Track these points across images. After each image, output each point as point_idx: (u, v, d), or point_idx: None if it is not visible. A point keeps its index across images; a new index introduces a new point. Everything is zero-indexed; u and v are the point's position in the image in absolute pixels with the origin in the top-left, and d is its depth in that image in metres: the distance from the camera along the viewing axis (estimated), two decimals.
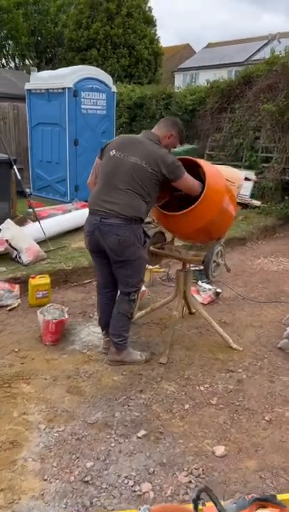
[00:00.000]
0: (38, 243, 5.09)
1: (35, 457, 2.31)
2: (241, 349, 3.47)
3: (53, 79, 7.83)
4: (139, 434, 2.49)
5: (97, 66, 15.33)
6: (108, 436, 2.48)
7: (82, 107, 7.74)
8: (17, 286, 4.35)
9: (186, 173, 2.96)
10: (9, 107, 9.87)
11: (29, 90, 8.21)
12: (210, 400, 2.84)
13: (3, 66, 19.60)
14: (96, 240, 2.98)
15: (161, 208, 3.22)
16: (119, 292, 3.17)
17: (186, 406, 2.77)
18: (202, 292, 4.53)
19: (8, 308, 4.09)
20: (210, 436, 2.51)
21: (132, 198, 2.91)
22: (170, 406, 2.77)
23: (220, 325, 3.83)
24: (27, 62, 20.15)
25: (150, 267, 4.72)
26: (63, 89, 7.53)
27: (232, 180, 3.98)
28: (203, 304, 4.36)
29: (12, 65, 20.24)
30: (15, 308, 4.12)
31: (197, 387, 2.97)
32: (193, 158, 3.22)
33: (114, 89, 8.33)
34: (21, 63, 19.95)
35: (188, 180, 2.99)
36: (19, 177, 5.59)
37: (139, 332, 3.72)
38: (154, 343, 3.53)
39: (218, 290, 4.57)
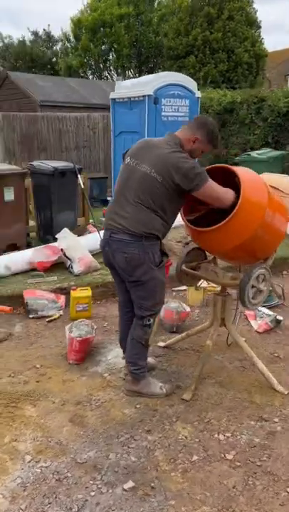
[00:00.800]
0: (96, 254, 4.96)
1: (6, 494, 2.11)
2: (287, 393, 2.91)
3: (135, 87, 7.77)
4: (126, 486, 2.14)
5: (194, 72, 15.18)
6: (91, 482, 2.18)
7: (163, 114, 7.53)
8: (62, 297, 4.26)
9: (209, 182, 2.53)
10: (99, 118, 10.11)
11: (113, 99, 8.26)
12: (226, 453, 2.38)
13: (107, 78, 20.46)
14: (107, 257, 2.71)
15: (199, 221, 2.81)
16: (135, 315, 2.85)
17: (195, 457, 2.35)
18: (259, 318, 3.99)
19: (48, 319, 4.01)
20: (210, 503, 2.07)
21: (140, 212, 2.56)
22: (175, 455, 2.37)
23: (271, 360, 3.31)
24: (128, 73, 20.76)
25: (204, 284, 4.32)
26: (143, 96, 7.41)
27: (286, 191, 3.41)
28: (257, 331, 3.83)
29: (115, 77, 21.04)
30: (55, 319, 4.02)
31: (216, 435, 2.52)
32: (228, 166, 2.78)
33: (198, 94, 7.99)
34: (123, 75, 20.60)
35: (213, 190, 2.56)
36: (82, 185, 5.56)
37: (171, 359, 3.35)
38: (185, 374, 3.13)
39: (279, 318, 3.98)
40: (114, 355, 3.38)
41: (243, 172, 2.74)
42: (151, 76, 8.30)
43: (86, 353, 3.31)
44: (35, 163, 5.62)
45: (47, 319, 4.01)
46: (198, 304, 4.40)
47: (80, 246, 4.90)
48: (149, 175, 2.53)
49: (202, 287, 4.34)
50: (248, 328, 3.90)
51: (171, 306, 3.84)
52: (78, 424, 2.61)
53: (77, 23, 19.87)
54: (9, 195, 5.02)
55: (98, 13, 18.36)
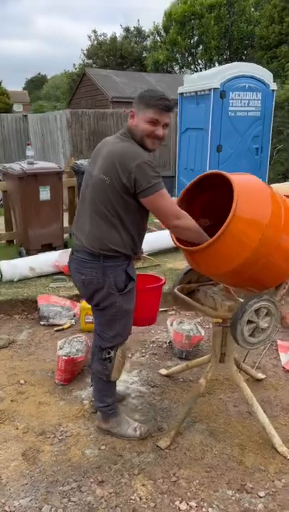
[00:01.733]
0: None
1: None
2: None
3: (201, 80, 7.25)
4: None
5: (285, 63, 13.97)
6: None
7: (230, 108, 6.93)
8: (78, 305, 4.02)
9: (160, 191, 2.03)
10: (171, 114, 9.70)
11: (181, 94, 7.81)
12: None
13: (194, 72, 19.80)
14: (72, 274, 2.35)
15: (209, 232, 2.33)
16: None
17: None
18: None
19: (56, 328, 3.79)
20: None
21: (96, 226, 2.15)
22: None
23: (288, 410, 2.72)
24: (216, 65, 19.90)
25: None
26: (209, 90, 6.88)
27: None
28: (284, 368, 3.21)
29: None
30: (63, 329, 3.79)
31: (177, 502, 2.06)
32: (223, 172, 2.26)
33: (273, 86, 7.22)
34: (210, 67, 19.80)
35: (161, 203, 2.04)
36: None
37: (167, 392, 2.91)
38: (175, 414, 2.68)
39: None
40: None
41: (241, 181, 2.21)
42: (219, 67, 7.73)
43: (73, 374, 3.01)
44: (80, 161, 5.44)
45: (55, 328, 3.79)
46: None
47: None
48: (99, 178, 2.10)
49: None
50: (275, 363, 3.29)
51: (184, 327, 3.38)
52: (29, 460, 2.32)
53: (168, 16, 19.53)
54: (45, 194, 4.90)
55: (188, 4, 17.83)
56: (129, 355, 3.36)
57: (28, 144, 5.11)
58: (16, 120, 11.61)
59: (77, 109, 9.47)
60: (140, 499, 2.08)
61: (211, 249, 2.16)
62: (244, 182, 2.23)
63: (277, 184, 2.79)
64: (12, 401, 2.80)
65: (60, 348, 3.06)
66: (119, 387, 2.82)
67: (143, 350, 3.45)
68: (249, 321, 2.28)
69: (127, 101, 12.43)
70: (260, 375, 3.06)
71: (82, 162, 5.30)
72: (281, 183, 2.82)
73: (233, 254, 2.14)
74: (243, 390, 2.54)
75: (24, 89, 24.51)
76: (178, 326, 3.42)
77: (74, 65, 27.37)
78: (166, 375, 3.09)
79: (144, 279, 2.83)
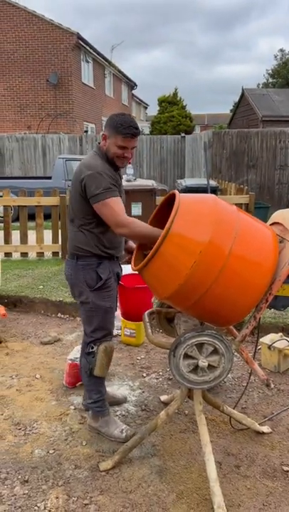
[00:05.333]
0: None
1: None
2: None
3: None
4: None
5: None
6: None
7: None
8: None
9: (106, 200, 2.19)
10: None
11: None
12: None
13: None
14: None
15: None
16: None
17: None
18: None
19: None
20: None
21: (70, 230, 2.48)
22: None
23: (268, 473, 2.35)
24: None
25: (280, 344, 3.34)
26: None
27: None
28: None
29: None
30: None
31: None
32: (175, 192, 2.10)
33: None
34: None
35: (105, 211, 2.22)
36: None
37: (150, 419, 2.77)
38: (145, 442, 2.55)
39: None
40: (117, 388, 3.09)
41: (187, 198, 2.04)
42: None
43: (77, 378, 3.13)
44: (180, 180, 5.54)
45: None
46: (270, 367, 3.43)
47: None
48: (70, 191, 2.42)
49: (276, 347, 3.37)
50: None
51: None
52: None
53: None
54: (137, 210, 5.16)
55: None
56: (144, 375, 3.32)
57: (129, 163, 5.46)
58: (175, 141, 12.26)
59: (219, 130, 9.49)
60: (44, 508, 2.10)
61: (146, 272, 2.06)
62: (192, 204, 2.04)
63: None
64: (17, 390, 3.11)
65: (73, 352, 3.23)
66: (123, 391, 3.03)
67: (160, 373, 3.35)
68: (188, 356, 2.06)
69: (278, 119, 11.80)
70: (262, 428, 2.65)
71: (179, 181, 5.38)
72: (283, 210, 2.43)
73: (167, 279, 2.00)
74: (201, 435, 2.27)
75: (231, 111, 25.49)
76: None
77: (258, 84, 27.19)
78: (164, 402, 2.95)
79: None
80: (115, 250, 2.47)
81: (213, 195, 2.17)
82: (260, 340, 3.42)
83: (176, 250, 1.93)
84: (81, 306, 2.50)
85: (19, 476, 2.30)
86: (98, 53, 19.37)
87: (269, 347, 3.39)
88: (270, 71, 26.25)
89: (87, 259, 2.40)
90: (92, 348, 2.50)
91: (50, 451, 2.48)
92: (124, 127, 2.26)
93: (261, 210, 7.00)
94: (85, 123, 18.53)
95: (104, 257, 2.43)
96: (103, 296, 2.44)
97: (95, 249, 2.38)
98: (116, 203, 2.22)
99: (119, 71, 23.45)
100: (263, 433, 2.64)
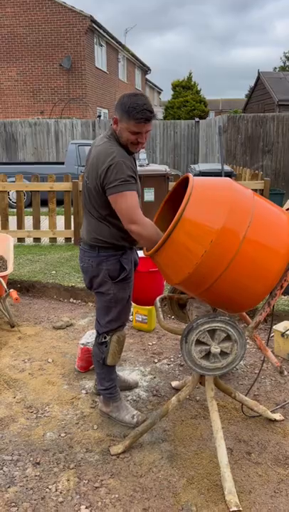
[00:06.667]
0: None
1: None
2: (233, 510, 1.99)
3: None
4: None
5: None
6: None
7: None
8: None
9: (122, 193, 2.09)
10: None
11: None
12: None
13: None
14: None
15: None
16: None
17: None
18: None
19: None
20: None
21: (90, 222, 2.37)
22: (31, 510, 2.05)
23: (280, 461, 2.32)
24: None
25: None
26: None
27: None
28: None
29: None
30: None
31: (82, 507, 2.01)
32: (189, 175, 2.05)
33: None
34: None
35: (120, 205, 2.12)
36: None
37: (161, 404, 2.77)
38: (156, 427, 2.55)
39: None
40: (128, 373, 3.10)
41: (201, 182, 1.99)
42: None
43: (89, 363, 3.14)
44: (194, 165, 5.47)
45: None
46: (283, 355, 3.39)
47: None
48: (85, 181, 2.31)
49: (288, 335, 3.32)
50: None
51: None
52: (1, 425, 2.58)
53: None
54: (149, 195, 5.11)
55: None
56: (155, 361, 3.31)
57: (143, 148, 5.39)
58: (189, 126, 12.09)
59: (234, 114, 9.31)
60: (56, 490, 2.12)
61: (157, 258, 2.03)
62: (206, 189, 1.99)
63: None
64: (29, 374, 3.13)
65: (84, 337, 3.24)
66: (134, 377, 3.03)
67: (172, 359, 3.34)
68: (200, 342, 2.04)
69: None
70: (274, 416, 2.63)
71: (193, 165, 5.31)
72: None
73: (177, 267, 1.96)
74: (212, 421, 2.26)
75: (246, 96, 24.97)
76: None
77: (275, 68, 26.57)
78: (175, 388, 2.95)
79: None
80: (136, 240, 2.41)
81: (228, 178, 2.11)
82: (274, 327, 3.38)
83: (187, 238, 1.89)
84: (100, 296, 2.44)
85: (31, 459, 2.32)
86: (112, 37, 19.12)
87: (282, 334, 3.35)
88: (288, 54, 25.69)
89: (111, 250, 2.33)
90: (105, 338, 2.48)
91: (62, 435, 2.50)
92: (137, 111, 2.11)
93: (276, 196, 6.88)
94: (98, 108, 18.39)
95: (127, 247, 2.38)
96: (124, 287, 2.41)
97: (119, 240, 2.32)
98: (132, 197, 2.13)
99: (133, 55, 23.14)
100: (275, 420, 2.62)
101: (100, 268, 2.35)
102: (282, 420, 2.64)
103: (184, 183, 2.23)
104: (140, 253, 2.49)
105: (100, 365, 2.55)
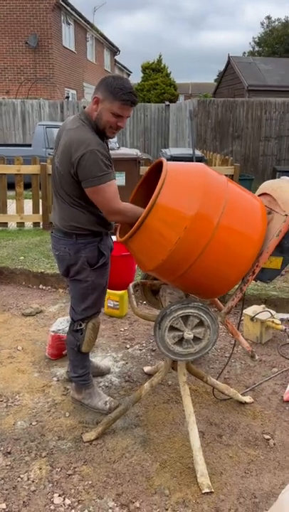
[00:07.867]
0: None
1: None
2: (205, 492, 2.02)
3: None
4: None
5: None
6: None
7: None
8: None
9: (105, 184, 2.04)
10: None
11: None
12: None
13: None
14: None
15: None
16: None
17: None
18: None
19: None
20: None
21: (63, 208, 2.28)
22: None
23: (250, 442, 2.38)
24: None
25: (262, 316, 3.36)
26: None
27: (282, 206, 2.11)
28: (282, 398, 2.74)
29: None
30: None
31: (55, 495, 2.00)
32: (162, 159, 2.02)
33: None
34: None
35: (97, 198, 2.09)
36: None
37: (133, 389, 2.78)
38: (128, 413, 2.56)
39: None
40: (100, 360, 3.08)
41: (175, 167, 1.97)
42: None
43: (60, 350, 3.11)
44: (165, 150, 5.43)
45: None
46: (252, 338, 3.46)
47: None
48: (56, 167, 2.20)
49: (258, 319, 3.38)
50: (277, 390, 2.84)
51: None
52: None
53: None
54: (120, 180, 5.04)
55: None
56: (127, 346, 3.31)
57: None
58: (159, 110, 11.98)
59: (204, 98, 9.29)
60: (28, 479, 2.09)
61: (131, 244, 2.00)
62: (180, 174, 1.97)
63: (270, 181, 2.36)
64: None
65: (54, 324, 3.19)
66: (106, 363, 3.00)
67: (144, 344, 3.35)
68: (174, 328, 2.04)
69: (265, 89, 11.61)
70: (244, 398, 2.68)
71: (163, 150, 5.27)
72: (272, 180, 2.38)
73: (150, 253, 1.94)
74: (185, 405, 2.28)
75: (215, 80, 24.86)
76: None
77: (244, 53, 26.59)
78: (147, 373, 2.95)
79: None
80: (112, 225, 2.39)
81: (202, 163, 2.09)
82: (243, 311, 3.43)
83: (161, 224, 1.87)
84: (76, 283, 2.38)
85: (1, 448, 2.28)
86: (80, 15, 18.57)
87: (252, 318, 3.41)
88: (257, 39, 25.72)
89: (89, 237, 2.27)
90: (81, 325, 2.45)
91: (33, 423, 2.47)
92: (124, 93, 2.05)
93: (245, 182, 6.95)
94: (66, 89, 17.92)
95: (104, 232, 2.34)
96: (102, 273, 2.37)
97: (96, 226, 2.26)
98: (110, 188, 2.07)
99: (102, 35, 22.59)
100: (245, 403, 2.68)
101: (79, 256, 2.28)
102: (252, 402, 2.69)
103: (157, 168, 2.20)
104: (114, 238, 2.45)
105: (74, 352, 2.51)
